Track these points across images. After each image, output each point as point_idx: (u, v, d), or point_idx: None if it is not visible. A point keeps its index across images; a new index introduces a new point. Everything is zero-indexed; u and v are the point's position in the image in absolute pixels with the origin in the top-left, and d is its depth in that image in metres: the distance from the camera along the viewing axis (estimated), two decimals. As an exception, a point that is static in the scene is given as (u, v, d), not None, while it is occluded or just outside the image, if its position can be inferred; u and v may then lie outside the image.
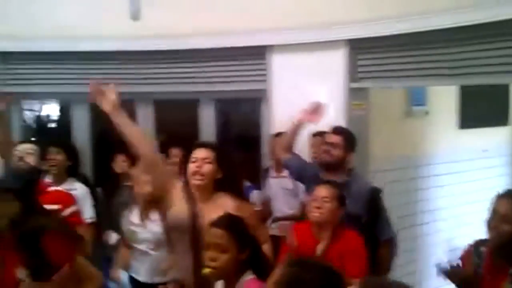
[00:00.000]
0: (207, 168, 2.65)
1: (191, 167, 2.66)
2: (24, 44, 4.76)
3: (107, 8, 4.76)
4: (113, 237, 4.17)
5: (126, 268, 3.55)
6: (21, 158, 3.06)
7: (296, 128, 3.46)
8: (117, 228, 3.95)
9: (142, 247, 3.42)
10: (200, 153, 2.69)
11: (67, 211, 3.02)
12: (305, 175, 3.33)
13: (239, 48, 4.72)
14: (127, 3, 4.75)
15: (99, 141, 5.23)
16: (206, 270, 2.14)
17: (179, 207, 2.65)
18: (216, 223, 2.23)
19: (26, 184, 2.57)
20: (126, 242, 3.57)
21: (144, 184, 3.38)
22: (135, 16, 4.75)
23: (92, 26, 4.72)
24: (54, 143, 3.80)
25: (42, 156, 3.10)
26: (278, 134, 4.24)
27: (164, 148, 4.49)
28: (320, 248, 2.60)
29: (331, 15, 4.44)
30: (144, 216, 3.47)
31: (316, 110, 3.39)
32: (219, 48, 4.72)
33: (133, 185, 3.81)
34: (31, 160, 3.08)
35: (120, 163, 4.43)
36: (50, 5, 4.79)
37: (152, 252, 3.38)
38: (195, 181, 2.65)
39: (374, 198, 3.11)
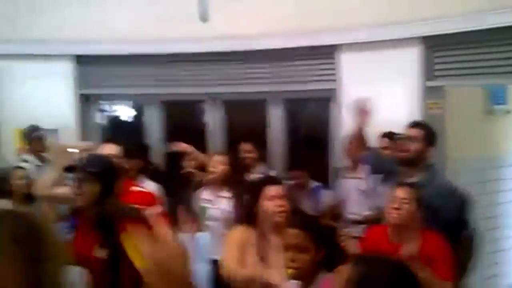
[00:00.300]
0: (286, 204, 2.62)
1: (272, 206, 2.58)
2: (98, 47, 4.94)
3: (176, 10, 4.85)
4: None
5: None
6: None
7: (357, 132, 3.40)
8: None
9: (211, 224, 3.57)
10: (277, 190, 2.64)
11: (149, 212, 3.04)
12: (383, 168, 3.23)
13: (308, 47, 4.68)
14: (196, 5, 4.80)
15: (171, 140, 5.32)
16: (288, 271, 2.12)
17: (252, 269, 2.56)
18: (292, 224, 2.20)
19: (108, 168, 2.63)
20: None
21: (217, 164, 3.57)
22: (204, 18, 4.80)
23: (162, 29, 4.82)
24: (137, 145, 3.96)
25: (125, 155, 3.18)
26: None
27: (234, 144, 4.54)
28: (407, 250, 2.48)
29: (404, 12, 4.31)
30: (215, 193, 3.63)
31: (363, 108, 3.28)
32: (287, 48, 4.70)
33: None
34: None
35: (189, 163, 4.51)
36: (123, 9, 4.94)
37: (221, 230, 3.45)
38: (280, 218, 2.57)
39: (464, 207, 2.96)
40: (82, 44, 4.93)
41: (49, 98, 5.01)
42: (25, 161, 4.26)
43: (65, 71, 5.04)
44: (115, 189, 2.62)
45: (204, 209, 3.65)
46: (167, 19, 4.81)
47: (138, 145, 4.35)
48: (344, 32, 4.51)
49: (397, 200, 2.59)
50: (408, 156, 3.01)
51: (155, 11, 4.86)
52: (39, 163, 4.32)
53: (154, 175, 4.21)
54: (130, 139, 5.34)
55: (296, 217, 2.27)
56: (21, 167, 3.96)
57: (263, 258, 2.55)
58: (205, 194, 3.72)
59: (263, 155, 4.56)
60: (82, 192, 2.52)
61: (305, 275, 2.15)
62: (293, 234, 2.16)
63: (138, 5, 4.92)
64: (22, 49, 4.92)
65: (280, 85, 4.84)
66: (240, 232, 2.66)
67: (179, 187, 4.58)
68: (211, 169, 3.69)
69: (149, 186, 3.77)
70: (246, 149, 4.36)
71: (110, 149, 3.14)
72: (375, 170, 3.44)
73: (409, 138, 3.05)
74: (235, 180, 3.55)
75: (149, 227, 2.65)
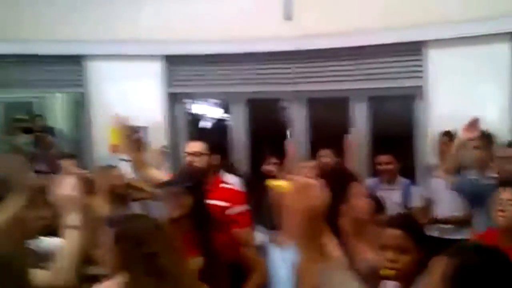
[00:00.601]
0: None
1: (361, 203, 2.45)
2: (186, 47, 5.11)
3: (261, 10, 4.95)
4: (258, 237, 4.36)
5: None
6: (190, 163, 3.14)
7: (459, 148, 3.32)
8: (266, 227, 4.16)
9: None
10: (361, 187, 2.62)
11: (235, 210, 3.06)
12: (483, 197, 3.13)
13: (393, 44, 4.62)
14: (280, 4, 4.87)
15: (255, 139, 5.43)
16: (387, 272, 2.09)
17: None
18: (392, 223, 2.18)
19: (198, 181, 2.70)
20: None
21: None
22: (288, 16, 4.87)
23: (247, 28, 4.93)
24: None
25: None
26: (447, 133, 4.08)
27: (314, 148, 4.57)
28: None
29: (494, 6, 4.17)
30: None
31: (472, 125, 3.22)
32: (373, 45, 4.67)
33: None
34: (201, 163, 3.13)
35: (270, 165, 4.58)
36: (210, 9, 5.08)
37: None
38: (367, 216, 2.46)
39: None
40: (171, 44, 5.11)
41: (140, 97, 5.20)
42: (124, 160, 4.37)
43: (155, 70, 5.23)
44: (206, 201, 2.69)
45: None
46: (252, 18, 4.92)
47: (220, 142, 4.42)
48: (432, 27, 4.43)
49: (503, 202, 2.52)
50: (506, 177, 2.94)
51: (241, 11, 4.98)
52: None
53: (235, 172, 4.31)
54: (215, 136, 5.52)
55: (396, 216, 2.26)
56: (113, 166, 3.95)
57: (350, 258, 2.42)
58: None
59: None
60: (176, 205, 2.59)
61: (405, 277, 2.09)
62: (394, 234, 2.10)
63: (224, 5, 5.05)
64: (114, 49, 5.16)
65: (365, 82, 4.82)
66: None
67: (260, 185, 4.68)
68: None
69: (232, 180, 3.77)
70: (323, 154, 4.37)
71: (196, 146, 3.21)
72: (472, 201, 3.35)
73: (507, 159, 2.99)
74: None
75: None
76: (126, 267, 1.77)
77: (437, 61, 4.52)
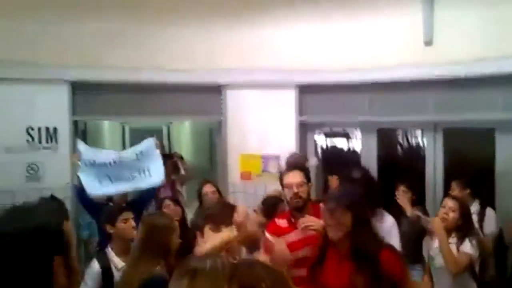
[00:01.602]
0: None
1: None
2: (318, 76, 5.12)
3: (398, 36, 4.83)
4: None
5: None
6: (296, 194, 3.04)
7: None
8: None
9: (440, 272, 3.42)
10: None
11: None
12: None
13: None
14: (420, 29, 4.70)
15: (385, 167, 5.26)
16: None
17: None
18: None
19: (359, 199, 2.61)
20: (427, 269, 3.61)
21: (448, 210, 3.44)
22: (428, 41, 4.67)
23: (382, 55, 4.84)
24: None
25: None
26: None
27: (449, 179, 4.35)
28: None
29: None
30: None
31: None
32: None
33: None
34: (304, 192, 3.05)
35: (401, 193, 4.38)
36: (341, 38, 5.10)
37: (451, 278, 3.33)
38: None
39: None
40: (303, 74, 5.16)
41: (273, 125, 5.28)
42: None
43: (288, 99, 5.28)
44: (367, 219, 2.60)
45: (432, 258, 3.52)
46: (388, 45, 4.84)
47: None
48: None
49: None
50: None
51: (375, 38, 4.93)
52: None
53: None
54: (345, 165, 5.41)
55: None
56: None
57: None
58: (434, 243, 3.52)
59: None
60: (334, 223, 2.52)
61: None
62: None
63: (357, 33, 5.03)
64: (248, 78, 5.26)
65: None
66: None
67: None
68: (442, 215, 3.49)
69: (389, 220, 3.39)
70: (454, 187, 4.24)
71: (297, 177, 3.10)
72: None
73: None
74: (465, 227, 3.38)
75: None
76: None
77: None
